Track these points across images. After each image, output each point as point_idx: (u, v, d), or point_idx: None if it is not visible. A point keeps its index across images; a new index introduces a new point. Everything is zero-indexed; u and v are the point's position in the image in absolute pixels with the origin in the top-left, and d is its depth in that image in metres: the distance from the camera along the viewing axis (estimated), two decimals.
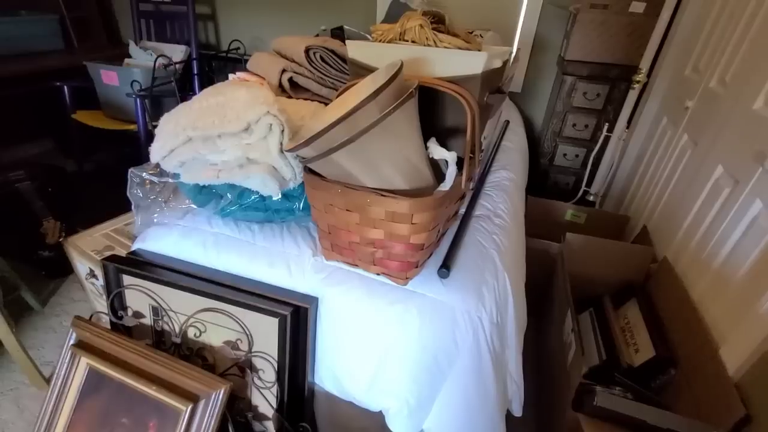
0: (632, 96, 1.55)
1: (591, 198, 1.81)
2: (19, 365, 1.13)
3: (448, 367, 0.73)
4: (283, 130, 0.70)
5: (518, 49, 1.92)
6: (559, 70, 1.75)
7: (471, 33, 1.52)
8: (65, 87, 2.06)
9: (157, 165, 0.77)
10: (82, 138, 2.20)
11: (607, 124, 1.69)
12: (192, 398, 0.78)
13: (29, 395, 1.16)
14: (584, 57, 1.63)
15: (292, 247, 0.83)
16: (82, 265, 1.22)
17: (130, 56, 2.22)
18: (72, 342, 0.88)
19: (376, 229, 0.67)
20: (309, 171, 0.69)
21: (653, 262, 1.27)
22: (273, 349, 0.82)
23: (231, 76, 0.97)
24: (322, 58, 0.85)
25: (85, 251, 1.23)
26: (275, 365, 0.82)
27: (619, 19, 1.53)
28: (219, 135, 0.72)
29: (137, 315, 0.92)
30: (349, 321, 0.77)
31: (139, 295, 0.88)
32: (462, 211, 0.98)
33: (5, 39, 2.13)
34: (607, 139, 1.70)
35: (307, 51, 0.83)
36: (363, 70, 0.79)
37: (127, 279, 0.89)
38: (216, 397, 0.77)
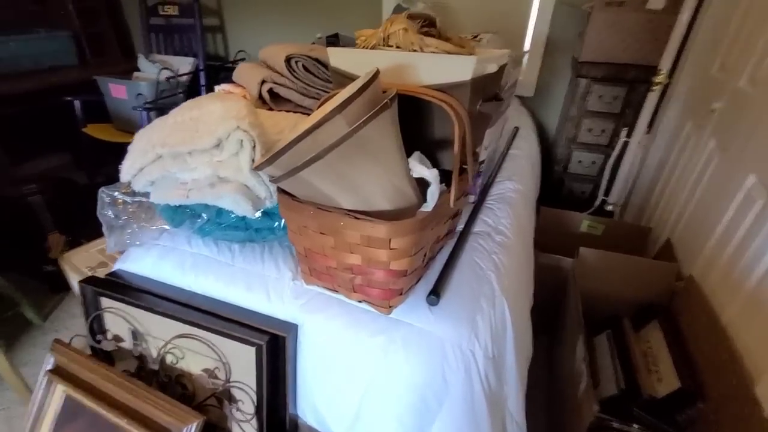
0: (652, 98, 1.44)
1: (609, 208, 1.70)
2: (9, 384, 1.11)
3: (437, 406, 0.65)
4: (254, 146, 0.65)
5: (528, 52, 1.83)
6: (573, 73, 1.66)
7: (475, 37, 1.45)
8: (76, 102, 2.10)
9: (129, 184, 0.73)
10: (93, 151, 2.23)
11: (625, 128, 1.58)
12: None
13: (20, 414, 1.14)
14: (599, 58, 1.53)
15: (272, 269, 0.77)
16: (75, 282, 1.20)
17: (139, 70, 2.25)
18: (49, 367, 0.85)
19: (353, 254, 0.61)
20: (282, 190, 0.63)
21: (678, 279, 1.15)
22: (251, 380, 0.76)
23: (217, 87, 0.93)
24: (305, 68, 0.80)
25: (79, 267, 1.21)
26: (254, 397, 0.76)
27: (637, 16, 1.42)
28: (189, 152, 0.67)
29: (117, 339, 0.88)
30: (329, 352, 0.70)
31: (119, 319, 0.85)
32: (460, 228, 0.90)
33: (22, 56, 2.19)
34: (625, 144, 1.59)
35: (288, 60, 0.78)
36: (345, 79, 0.73)
37: (105, 301, 0.85)
38: (188, 430, 0.72)
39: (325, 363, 0.72)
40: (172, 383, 0.84)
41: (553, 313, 1.37)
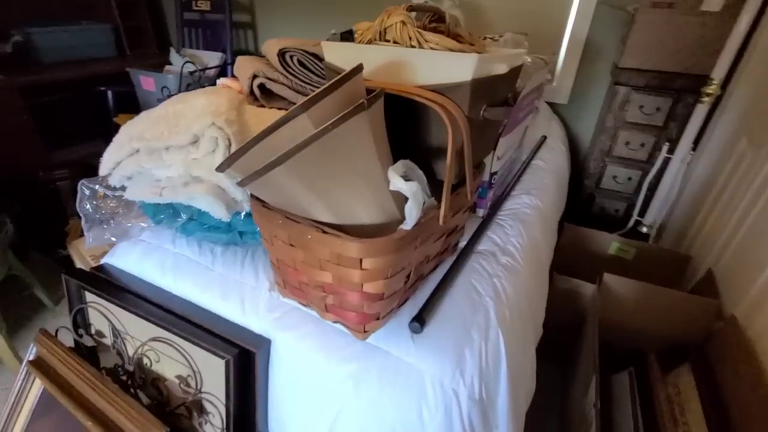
0: (701, 111, 1.28)
1: (644, 230, 1.54)
2: (9, 366, 1.13)
3: None
4: (229, 145, 0.60)
5: (558, 55, 1.70)
6: (612, 80, 1.52)
7: (500, 37, 1.35)
8: (109, 92, 2.16)
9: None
10: None
11: (667, 143, 1.42)
12: None
13: None
14: (642, 64, 1.38)
15: (250, 277, 0.72)
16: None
17: (170, 63, 2.30)
18: (30, 358, 0.84)
19: (323, 272, 0.54)
20: (253, 195, 0.58)
21: (718, 319, 1.01)
22: (221, 392, 0.72)
23: (218, 81, 0.89)
24: (300, 63, 0.74)
25: (84, 255, 1.22)
26: (222, 411, 0.72)
27: (688, 19, 1.27)
28: (166, 147, 0.63)
29: (99, 334, 0.86)
30: (301, 373, 0.64)
31: (100, 314, 0.83)
32: (462, 244, 0.82)
33: (66, 47, 2.28)
34: (667, 161, 1.43)
35: (282, 54, 0.72)
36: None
37: (88, 296, 0.84)
38: None
39: (296, 384, 0.65)
40: (147, 385, 0.81)
41: (570, 341, 1.25)
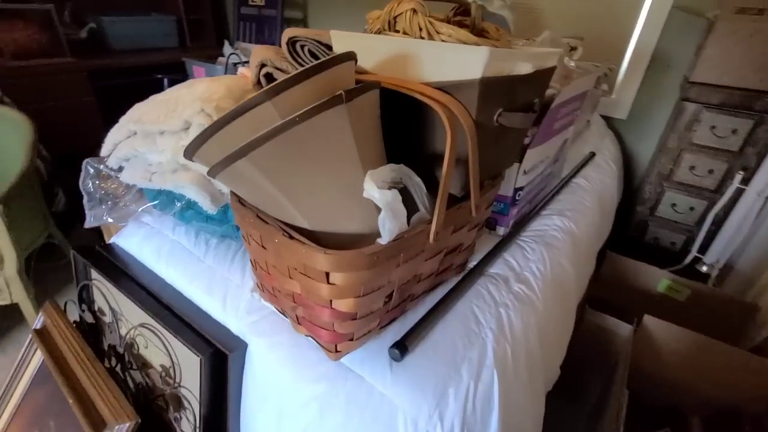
0: None
1: (703, 269, 1.34)
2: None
3: None
4: None
5: (611, 64, 1.54)
6: (680, 95, 1.34)
7: (573, 49, 1.22)
8: (165, 79, 2.27)
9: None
10: None
11: (742, 172, 1.22)
12: (98, 425, 0.68)
13: None
14: (719, 79, 1.20)
15: (237, 274, 0.69)
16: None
17: (223, 55, 2.38)
18: (37, 326, 0.86)
19: (292, 280, 0.49)
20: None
21: None
22: (197, 390, 0.69)
23: (239, 70, 0.88)
24: (311, 52, 0.69)
25: (112, 232, 1.27)
26: (196, 409, 0.69)
27: None
28: (161, 132, 0.61)
29: (101, 312, 0.88)
30: (269, 384, 0.60)
31: (100, 293, 0.83)
32: (472, 264, 0.73)
33: (133, 35, 2.44)
34: (740, 192, 1.23)
35: (293, 43, 0.68)
36: None
37: (93, 273, 0.85)
38: (119, 430, 0.66)
39: (264, 395, 0.61)
40: (136, 370, 0.81)
41: (596, 384, 1.10)
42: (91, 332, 0.90)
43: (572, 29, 1.53)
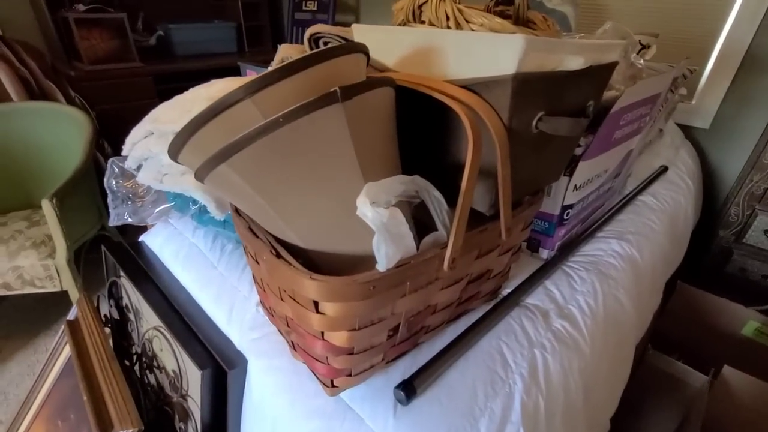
0: None
1: None
2: None
3: None
4: None
5: (687, 66, 1.33)
6: None
7: (646, 47, 1.07)
8: None
9: None
10: None
11: None
12: (106, 427, 0.68)
13: None
14: None
15: (245, 284, 0.65)
16: None
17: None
18: (71, 317, 0.89)
19: (283, 302, 0.43)
20: None
21: None
22: (200, 401, 0.66)
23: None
24: None
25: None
26: (198, 424, 0.66)
27: None
28: (174, 132, 0.59)
29: (127, 309, 0.89)
30: (265, 408, 0.54)
31: (125, 290, 0.84)
32: (505, 292, 0.63)
33: (196, 42, 2.59)
34: None
35: (315, 40, 0.64)
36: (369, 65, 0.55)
37: (121, 270, 0.86)
38: None
39: (261, 419, 0.56)
40: (152, 371, 0.80)
41: None
42: (117, 328, 0.92)
43: (646, 26, 1.36)
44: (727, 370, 0.79)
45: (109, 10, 2.05)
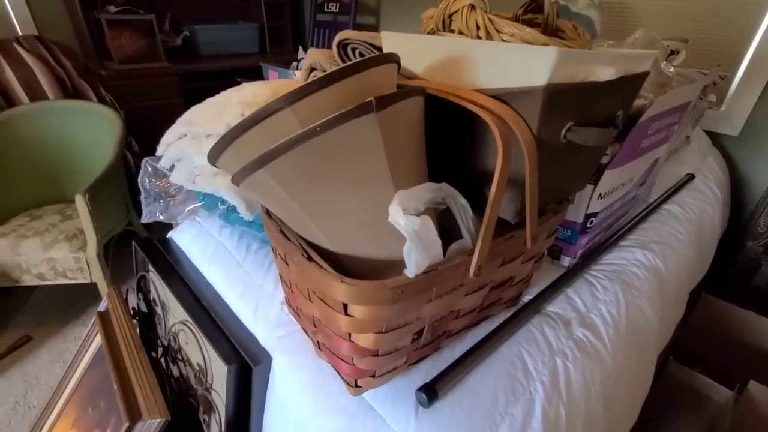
0: None
1: None
2: None
3: None
4: None
5: (718, 72, 1.30)
6: None
7: (675, 53, 1.05)
8: (243, 83, 2.42)
9: None
10: None
11: None
12: (135, 416, 0.70)
13: None
14: None
15: (271, 283, 0.67)
16: None
17: (297, 60, 2.47)
18: (101, 309, 0.93)
19: (312, 303, 0.44)
20: None
21: None
22: (224, 395, 0.68)
23: (295, 74, 0.87)
24: (362, 56, 0.65)
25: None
26: (222, 417, 0.68)
27: None
28: (207, 135, 0.61)
29: (155, 303, 0.92)
30: (289, 406, 0.56)
31: (153, 284, 0.87)
32: (526, 299, 0.63)
33: (220, 42, 2.64)
34: None
35: (344, 46, 0.65)
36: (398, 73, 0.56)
37: (150, 265, 0.89)
38: (149, 426, 0.68)
39: (284, 416, 0.57)
40: (177, 363, 0.83)
41: None
42: (145, 321, 0.95)
43: (674, 31, 1.33)
44: (753, 386, 0.77)
45: (139, 12, 2.12)
